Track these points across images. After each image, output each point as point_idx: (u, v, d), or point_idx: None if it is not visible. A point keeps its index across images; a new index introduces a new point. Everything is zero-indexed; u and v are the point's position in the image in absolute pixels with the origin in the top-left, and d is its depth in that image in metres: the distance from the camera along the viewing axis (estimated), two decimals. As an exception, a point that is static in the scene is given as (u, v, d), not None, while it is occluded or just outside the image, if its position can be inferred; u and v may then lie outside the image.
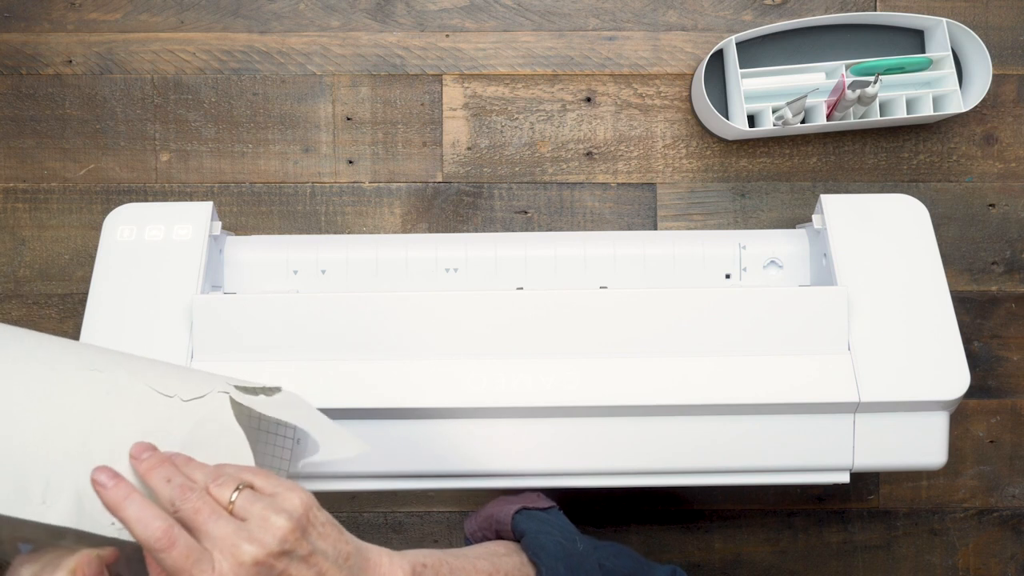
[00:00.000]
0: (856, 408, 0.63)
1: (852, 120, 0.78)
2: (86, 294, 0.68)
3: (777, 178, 0.83)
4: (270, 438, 0.60)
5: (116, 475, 0.47)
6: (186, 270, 0.67)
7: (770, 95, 0.78)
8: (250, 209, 0.82)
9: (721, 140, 0.82)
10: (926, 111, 0.78)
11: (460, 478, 0.64)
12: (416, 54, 0.82)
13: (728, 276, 0.74)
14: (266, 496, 0.47)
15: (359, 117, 0.82)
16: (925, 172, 0.83)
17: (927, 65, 0.78)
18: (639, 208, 0.82)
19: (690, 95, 0.82)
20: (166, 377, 0.54)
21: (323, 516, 0.48)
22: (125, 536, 0.47)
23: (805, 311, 0.65)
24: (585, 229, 0.82)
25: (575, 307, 0.65)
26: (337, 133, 0.82)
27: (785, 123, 0.76)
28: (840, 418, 0.64)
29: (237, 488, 0.47)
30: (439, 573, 0.52)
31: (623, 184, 0.82)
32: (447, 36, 0.82)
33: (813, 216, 0.72)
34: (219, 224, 0.72)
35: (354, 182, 0.82)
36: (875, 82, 0.74)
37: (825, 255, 0.70)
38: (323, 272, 0.73)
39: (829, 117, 0.77)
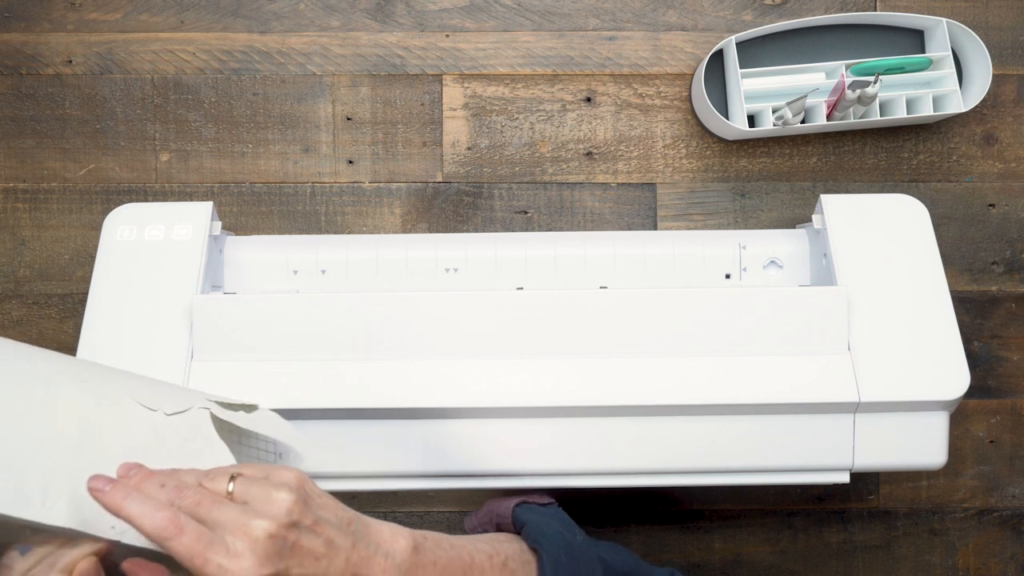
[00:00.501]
0: (856, 408, 0.63)
1: (852, 120, 0.78)
2: (86, 294, 0.68)
3: (777, 178, 0.82)
4: (252, 452, 0.60)
5: (111, 479, 0.47)
6: (186, 270, 0.67)
7: (770, 95, 0.78)
8: (250, 209, 0.82)
9: (721, 140, 0.82)
10: (926, 111, 0.78)
11: (460, 478, 0.64)
12: (416, 54, 0.82)
13: (728, 276, 0.74)
14: (260, 478, 0.48)
15: (359, 117, 0.82)
16: (925, 172, 0.83)
17: (927, 65, 0.78)
18: (639, 208, 0.82)
19: (690, 95, 0.82)
20: (149, 391, 0.55)
21: (318, 488, 0.49)
22: (126, 539, 0.48)
23: (805, 311, 0.65)
24: (585, 229, 0.82)
25: (575, 307, 0.65)
26: (337, 133, 0.82)
27: (785, 123, 0.76)
28: (840, 418, 0.64)
29: (231, 478, 0.48)
30: (439, 546, 0.53)
31: (623, 184, 0.82)
32: (447, 36, 0.82)
33: (813, 216, 0.72)
34: (219, 224, 0.72)
35: (354, 182, 0.82)
36: (875, 82, 0.74)
37: (825, 255, 0.70)
38: (323, 272, 0.73)
39: (829, 117, 0.77)
